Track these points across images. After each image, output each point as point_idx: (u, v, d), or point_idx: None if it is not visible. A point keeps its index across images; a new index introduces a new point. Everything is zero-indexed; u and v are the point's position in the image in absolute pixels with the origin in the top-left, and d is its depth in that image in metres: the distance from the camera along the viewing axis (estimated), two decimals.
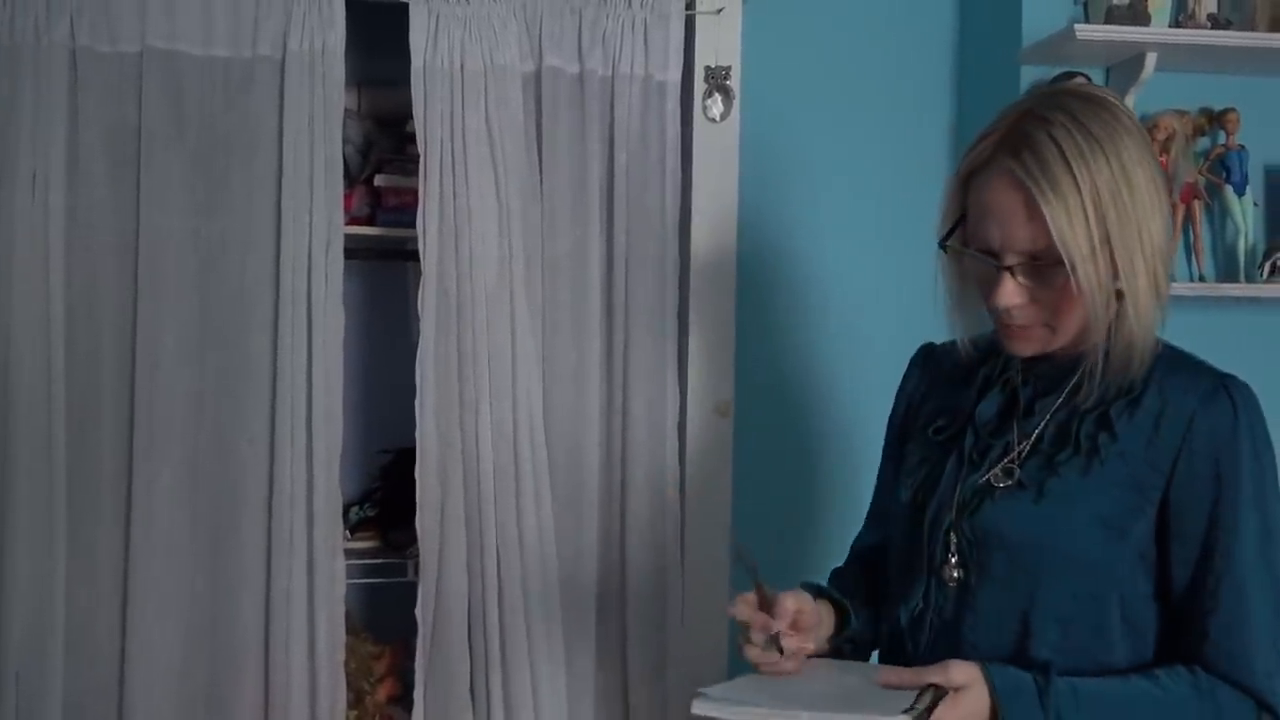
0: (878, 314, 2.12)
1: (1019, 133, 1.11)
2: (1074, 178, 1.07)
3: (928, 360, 1.37)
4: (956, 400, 1.27)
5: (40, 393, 1.86)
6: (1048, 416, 1.18)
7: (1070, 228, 1.07)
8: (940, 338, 1.33)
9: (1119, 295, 1.10)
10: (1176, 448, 1.12)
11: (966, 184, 1.17)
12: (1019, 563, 1.14)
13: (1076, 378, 1.17)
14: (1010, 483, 1.16)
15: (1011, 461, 1.17)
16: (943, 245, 1.19)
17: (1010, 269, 1.11)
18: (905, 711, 1.02)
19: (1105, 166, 1.08)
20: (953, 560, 1.17)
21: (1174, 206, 1.98)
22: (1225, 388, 1.14)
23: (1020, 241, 1.10)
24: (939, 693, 1.05)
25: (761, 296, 2.11)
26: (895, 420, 1.38)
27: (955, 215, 1.19)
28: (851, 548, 1.45)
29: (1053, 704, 1.07)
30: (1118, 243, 1.08)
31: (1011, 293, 1.12)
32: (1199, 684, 1.11)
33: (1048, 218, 1.07)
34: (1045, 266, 1.10)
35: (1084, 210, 1.07)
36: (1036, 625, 1.13)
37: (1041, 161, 1.08)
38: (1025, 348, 1.17)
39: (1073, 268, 1.07)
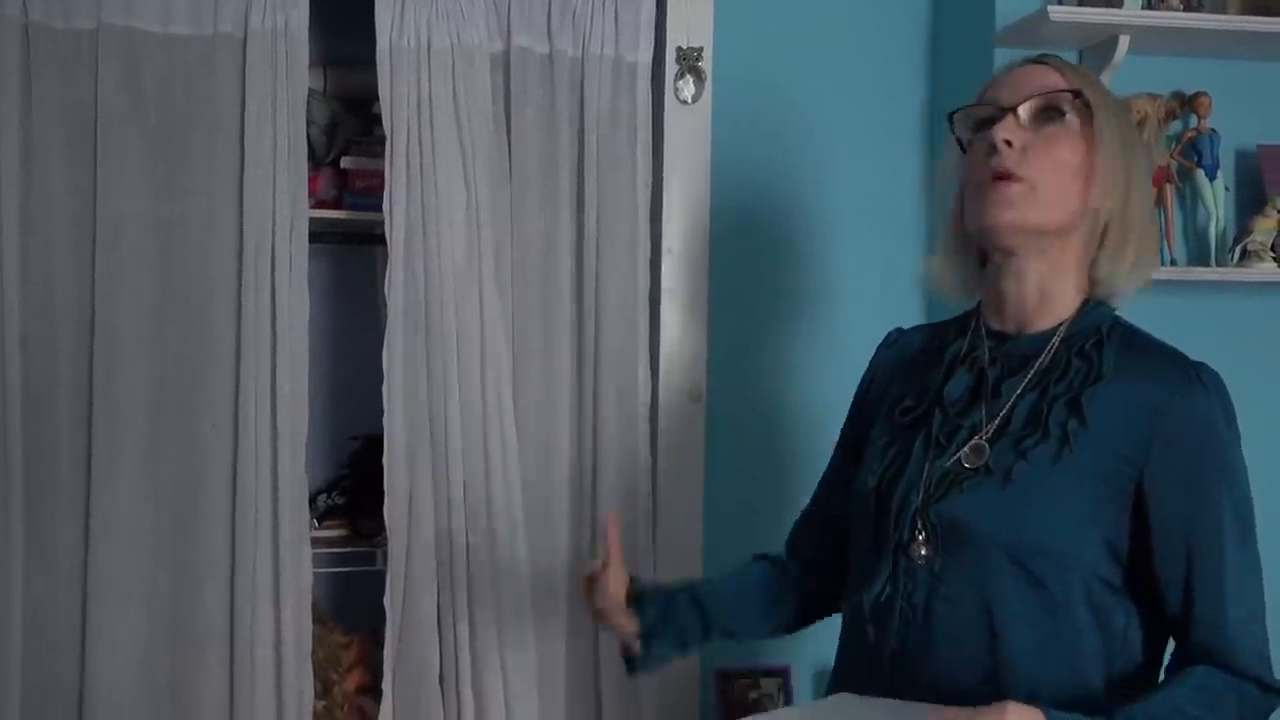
0: (851, 297, 2.10)
1: (1014, 65, 1.21)
2: (1083, 75, 1.19)
3: (895, 345, 1.36)
4: (924, 381, 1.26)
5: None
6: (1015, 396, 1.17)
7: (1088, 84, 1.17)
8: (914, 321, 1.31)
9: (1104, 231, 1.18)
10: (1149, 437, 1.11)
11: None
12: (985, 550, 1.13)
13: (1043, 358, 1.17)
14: (979, 465, 1.15)
15: (981, 440, 1.16)
16: (951, 116, 1.22)
17: (1014, 109, 1.15)
18: None
19: (1102, 92, 1.19)
20: (920, 538, 1.16)
21: None
22: (1199, 377, 1.14)
23: (1032, 86, 1.16)
24: None
25: (734, 280, 2.09)
26: (856, 399, 1.38)
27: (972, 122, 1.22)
28: (792, 531, 1.45)
29: None
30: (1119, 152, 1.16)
31: (1010, 126, 1.14)
32: (1226, 682, 1.10)
33: (1065, 71, 1.17)
34: (1051, 111, 1.15)
35: (1097, 90, 1.18)
36: (1003, 614, 1.12)
37: (1054, 58, 1.19)
38: (1005, 211, 1.15)
39: (1095, 107, 1.15)
